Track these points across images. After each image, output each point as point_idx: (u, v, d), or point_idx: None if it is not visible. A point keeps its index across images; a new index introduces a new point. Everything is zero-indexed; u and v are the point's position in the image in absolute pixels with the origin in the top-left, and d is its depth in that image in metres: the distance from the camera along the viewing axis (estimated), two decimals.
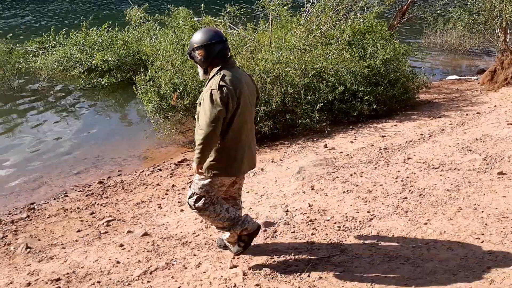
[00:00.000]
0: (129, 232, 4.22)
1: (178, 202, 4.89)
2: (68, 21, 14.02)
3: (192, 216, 4.40)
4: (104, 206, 5.04)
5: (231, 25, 10.02)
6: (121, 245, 3.92)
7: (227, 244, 3.51)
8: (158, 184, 5.54)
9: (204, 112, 2.92)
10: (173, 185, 5.46)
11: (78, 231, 4.45)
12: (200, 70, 3.13)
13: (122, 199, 5.21)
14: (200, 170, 3.05)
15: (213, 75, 3.00)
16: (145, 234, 4.10)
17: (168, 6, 10.45)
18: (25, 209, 5.11)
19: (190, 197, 3.19)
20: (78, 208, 5.03)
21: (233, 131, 3.01)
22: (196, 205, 3.15)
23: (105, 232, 4.33)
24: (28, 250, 4.05)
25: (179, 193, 5.18)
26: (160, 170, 6.08)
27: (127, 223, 4.52)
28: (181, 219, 4.39)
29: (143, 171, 6.13)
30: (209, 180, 3.09)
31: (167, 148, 7.01)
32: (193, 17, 10.01)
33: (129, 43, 9.77)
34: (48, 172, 6.12)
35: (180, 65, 6.93)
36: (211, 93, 2.90)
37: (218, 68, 3.02)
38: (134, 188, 5.52)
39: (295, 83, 6.62)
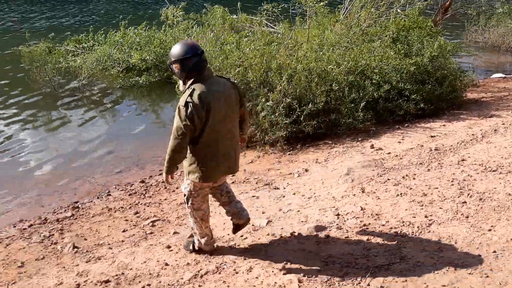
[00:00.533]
0: (175, 233, 4.13)
1: None
2: (114, 21, 14.11)
3: None
4: (148, 206, 4.98)
5: (267, 23, 9.90)
6: (168, 247, 3.84)
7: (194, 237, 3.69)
8: None
9: (174, 126, 3.07)
10: None
11: (124, 231, 4.40)
12: (180, 82, 3.23)
13: (165, 199, 5.14)
14: (169, 180, 3.26)
15: (185, 89, 3.11)
16: (191, 235, 3.99)
17: (205, 5, 10.42)
18: (70, 207, 5.10)
19: (184, 195, 3.45)
20: (122, 207, 4.99)
21: (204, 143, 3.13)
22: (188, 204, 3.42)
23: (151, 233, 4.26)
24: (75, 250, 4.02)
25: None
26: None
27: (172, 224, 4.44)
28: (227, 221, 4.26)
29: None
30: (188, 182, 3.32)
31: None
32: (229, 15, 9.93)
33: (166, 42, 9.76)
34: (90, 171, 6.12)
35: (220, 64, 6.82)
36: (179, 108, 3.04)
37: (191, 81, 3.10)
38: (177, 188, 5.44)
39: (339, 81, 6.43)
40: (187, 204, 3.41)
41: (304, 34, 8.70)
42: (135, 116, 8.46)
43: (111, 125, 8.01)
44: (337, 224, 3.87)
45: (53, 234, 4.44)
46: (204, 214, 3.44)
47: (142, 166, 6.30)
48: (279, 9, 8.95)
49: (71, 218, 4.83)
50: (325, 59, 6.86)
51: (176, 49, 3.12)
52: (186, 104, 3.00)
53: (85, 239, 4.28)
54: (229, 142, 3.25)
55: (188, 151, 3.18)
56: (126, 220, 4.66)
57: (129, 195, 5.36)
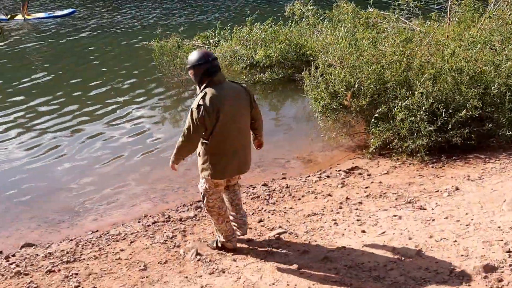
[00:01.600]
0: (305, 252, 3.66)
1: (357, 220, 4.19)
2: (244, 17, 14.25)
3: (379, 240, 3.69)
4: (272, 214, 4.58)
5: (403, 18, 9.02)
6: (299, 268, 3.38)
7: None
8: (329, 195, 4.92)
9: (185, 126, 3.39)
10: (347, 198, 4.79)
11: (248, 241, 4.03)
12: (196, 86, 3.51)
13: (291, 208, 4.70)
14: (174, 167, 3.60)
15: (199, 93, 3.40)
16: (325, 257, 3.50)
17: None
18: (193, 207, 4.91)
19: (201, 193, 3.68)
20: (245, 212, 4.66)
21: (214, 141, 3.41)
22: (204, 202, 3.66)
23: (277, 247, 3.83)
24: (198, 257, 3.74)
25: (356, 209, 4.48)
26: (328, 177, 5.46)
27: (300, 239, 3.97)
28: (365, 243, 3.69)
29: (309, 176, 5.58)
30: (204, 180, 3.58)
31: (332, 152, 6.38)
32: (359, 10, 9.26)
33: (291, 38, 9.36)
34: None
35: (354, 62, 6.21)
36: (191, 111, 3.33)
37: (204, 85, 3.40)
38: (302, 196, 4.98)
39: (498, 83, 5.46)
40: (203, 201, 3.65)
41: (443, 31, 7.72)
42: None
43: None
44: (510, 265, 3.08)
45: (175, 235, 4.25)
46: (220, 210, 3.64)
47: (264, 168, 5.96)
48: (422, 2, 8.03)
49: (194, 218, 4.62)
50: (478, 59, 5.90)
51: (191, 57, 3.47)
52: (198, 106, 3.30)
53: (208, 246, 4.00)
54: (238, 142, 3.50)
55: (201, 150, 3.47)
56: (250, 228, 4.27)
57: (252, 199, 5.03)
